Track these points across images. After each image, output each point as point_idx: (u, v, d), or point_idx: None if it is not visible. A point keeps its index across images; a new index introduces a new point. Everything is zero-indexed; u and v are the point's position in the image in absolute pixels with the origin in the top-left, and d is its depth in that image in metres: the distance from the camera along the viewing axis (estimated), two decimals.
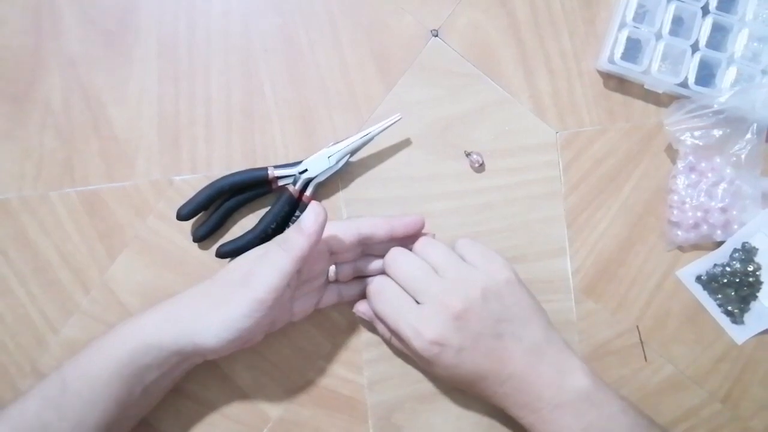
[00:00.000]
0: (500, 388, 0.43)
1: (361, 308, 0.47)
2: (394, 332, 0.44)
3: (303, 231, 0.38)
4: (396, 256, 0.44)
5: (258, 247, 0.43)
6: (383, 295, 0.44)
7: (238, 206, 0.48)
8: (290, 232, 0.39)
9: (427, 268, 0.43)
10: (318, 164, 0.48)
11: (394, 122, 0.48)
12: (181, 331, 0.40)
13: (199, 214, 0.47)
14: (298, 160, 0.48)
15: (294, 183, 0.47)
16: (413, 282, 0.43)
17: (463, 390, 0.47)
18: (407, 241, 0.46)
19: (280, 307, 0.42)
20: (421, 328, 0.41)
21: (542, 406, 0.42)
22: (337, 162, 0.48)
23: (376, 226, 0.44)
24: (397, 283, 0.44)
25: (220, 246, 0.47)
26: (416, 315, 0.42)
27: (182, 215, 0.46)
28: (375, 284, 0.45)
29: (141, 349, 0.39)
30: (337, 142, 0.48)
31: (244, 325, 0.39)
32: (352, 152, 0.48)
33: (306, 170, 0.47)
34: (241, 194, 0.48)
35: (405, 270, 0.44)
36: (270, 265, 0.39)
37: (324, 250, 0.44)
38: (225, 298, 0.40)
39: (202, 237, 0.48)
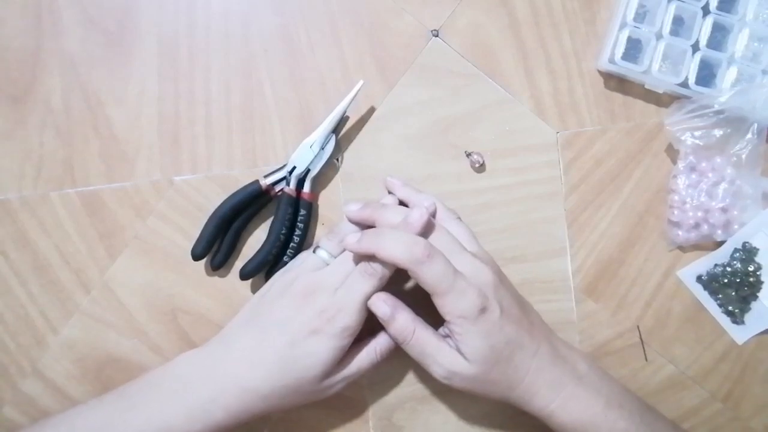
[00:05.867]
0: (533, 361, 0.42)
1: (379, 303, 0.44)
2: (438, 296, 0.40)
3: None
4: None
5: (311, 336, 0.41)
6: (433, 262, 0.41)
7: (244, 224, 0.48)
8: (383, 348, 0.44)
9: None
10: (303, 157, 0.47)
11: (359, 90, 0.47)
12: (259, 415, 0.42)
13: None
14: (284, 162, 0.48)
15: (288, 183, 0.47)
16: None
17: (490, 384, 0.43)
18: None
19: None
20: (469, 289, 0.40)
21: (566, 382, 0.42)
22: (321, 148, 0.48)
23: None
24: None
25: (242, 267, 0.47)
26: (462, 279, 0.40)
27: (197, 254, 0.46)
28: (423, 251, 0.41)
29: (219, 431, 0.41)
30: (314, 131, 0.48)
31: None
32: (334, 132, 0.48)
33: (294, 167, 0.47)
34: (243, 212, 0.48)
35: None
36: (349, 380, 0.44)
37: None
38: (309, 397, 0.43)
39: (219, 264, 0.48)
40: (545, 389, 0.42)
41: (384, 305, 0.41)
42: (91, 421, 0.41)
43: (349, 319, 0.41)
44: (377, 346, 0.44)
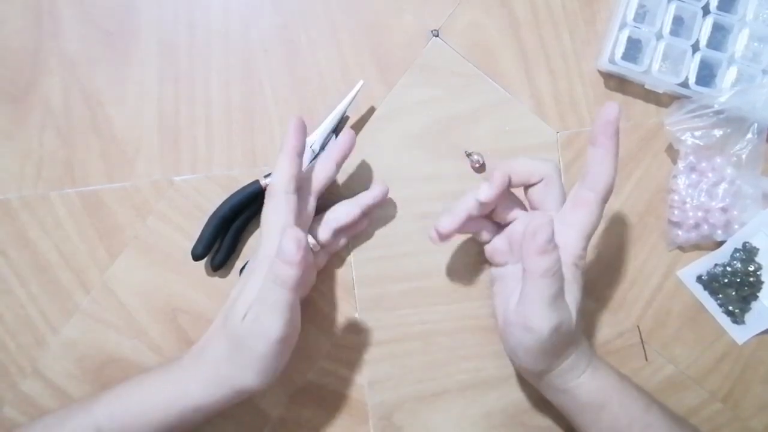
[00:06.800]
0: (578, 333, 0.43)
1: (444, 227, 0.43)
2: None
3: (289, 261, 0.36)
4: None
5: (250, 275, 0.41)
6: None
7: (245, 224, 0.48)
8: (277, 266, 0.37)
9: None
10: (304, 157, 0.47)
11: (359, 90, 0.47)
12: (222, 386, 0.39)
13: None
14: None
15: None
16: None
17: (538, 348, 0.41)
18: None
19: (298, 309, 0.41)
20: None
21: (591, 355, 0.43)
22: (321, 148, 0.48)
23: (350, 215, 0.46)
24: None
25: (242, 267, 0.47)
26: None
27: (198, 254, 0.46)
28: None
29: (188, 413, 0.40)
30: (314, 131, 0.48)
31: (282, 359, 0.39)
32: (334, 132, 0.48)
33: None
34: (243, 212, 0.48)
35: None
36: (274, 308, 0.37)
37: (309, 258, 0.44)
38: (248, 349, 0.38)
39: (220, 264, 0.48)
40: (581, 358, 0.43)
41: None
42: (84, 402, 0.41)
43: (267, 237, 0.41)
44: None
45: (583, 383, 0.42)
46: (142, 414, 0.39)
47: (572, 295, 0.41)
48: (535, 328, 0.39)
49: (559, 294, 0.39)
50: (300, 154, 0.42)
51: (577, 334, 0.42)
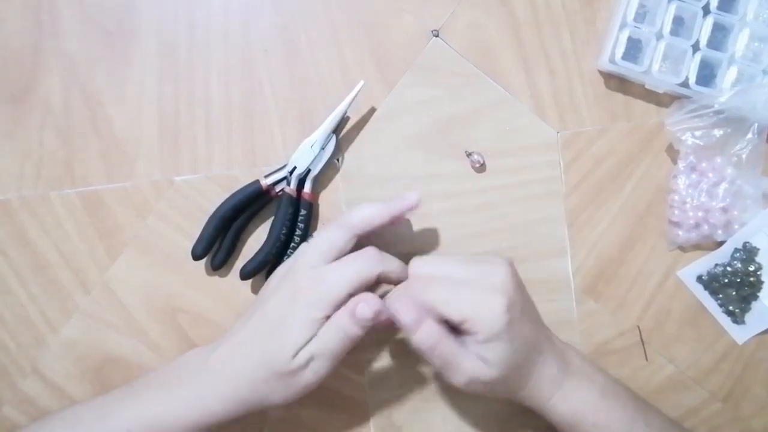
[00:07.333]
0: (539, 357, 0.42)
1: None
2: (452, 317, 0.40)
3: (360, 323, 0.39)
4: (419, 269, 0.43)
5: (290, 316, 0.40)
6: (432, 283, 0.41)
7: (245, 224, 0.48)
8: (347, 321, 0.39)
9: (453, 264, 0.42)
10: (304, 157, 0.47)
11: (359, 90, 0.47)
12: (252, 405, 0.41)
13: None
14: (284, 163, 0.48)
15: (288, 183, 0.47)
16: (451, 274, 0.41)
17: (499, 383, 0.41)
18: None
19: None
20: (490, 294, 0.40)
21: (565, 375, 0.43)
22: (322, 148, 0.48)
23: (379, 217, 0.43)
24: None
25: (242, 267, 0.47)
26: (478, 287, 0.40)
27: (198, 254, 0.46)
28: (419, 277, 0.42)
29: (210, 428, 0.41)
30: (314, 130, 0.48)
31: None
32: (334, 132, 0.48)
33: (295, 167, 0.47)
34: (244, 212, 0.48)
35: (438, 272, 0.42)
36: (332, 355, 0.40)
37: None
38: (294, 381, 0.40)
39: (220, 264, 0.48)
40: (547, 383, 0.42)
41: (409, 313, 0.39)
42: (95, 411, 0.41)
43: (322, 295, 0.40)
44: (344, 317, 0.40)
45: (554, 405, 0.43)
46: (162, 429, 0.40)
47: (496, 351, 0.39)
48: (450, 383, 0.41)
49: (450, 360, 0.40)
50: (357, 235, 0.42)
51: (526, 371, 0.42)
